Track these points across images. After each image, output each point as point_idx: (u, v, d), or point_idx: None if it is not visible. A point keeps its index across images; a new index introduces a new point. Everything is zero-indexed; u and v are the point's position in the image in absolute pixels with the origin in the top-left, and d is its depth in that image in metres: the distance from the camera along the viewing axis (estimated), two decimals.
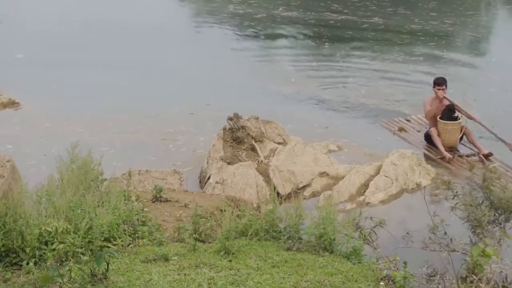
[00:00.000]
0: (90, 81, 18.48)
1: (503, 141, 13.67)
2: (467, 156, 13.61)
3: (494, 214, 9.87)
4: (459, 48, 23.82)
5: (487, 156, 13.44)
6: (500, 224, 9.81)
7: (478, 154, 13.61)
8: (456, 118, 14.03)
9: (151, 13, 28.30)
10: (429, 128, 14.34)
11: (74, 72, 19.32)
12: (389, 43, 23.73)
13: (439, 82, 14.37)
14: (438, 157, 13.72)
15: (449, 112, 14.07)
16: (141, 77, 19.14)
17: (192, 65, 20.45)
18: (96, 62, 20.43)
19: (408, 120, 15.65)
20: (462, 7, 31.34)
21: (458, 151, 13.94)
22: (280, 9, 29.33)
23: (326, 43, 23.67)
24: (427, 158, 13.84)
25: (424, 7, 30.27)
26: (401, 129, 15.17)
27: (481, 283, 7.22)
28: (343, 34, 25.18)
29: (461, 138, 14.12)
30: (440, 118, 14.04)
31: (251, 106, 15.52)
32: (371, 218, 9.90)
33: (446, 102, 14.20)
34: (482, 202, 9.85)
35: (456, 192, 9.70)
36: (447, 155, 13.50)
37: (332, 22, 26.76)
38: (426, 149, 14.25)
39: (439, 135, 13.97)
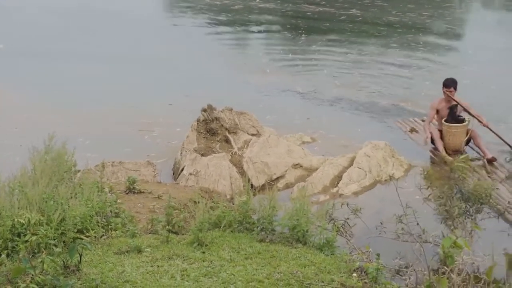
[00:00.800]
0: (68, 72, 18.50)
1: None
2: (471, 160, 12.61)
3: (465, 206, 9.96)
4: (435, 40, 23.92)
5: (491, 161, 12.89)
6: (471, 215, 9.89)
7: (483, 158, 13.06)
8: (462, 121, 13.43)
9: (127, 3, 28.23)
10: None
11: (52, 62, 19.31)
12: (366, 35, 23.82)
13: (447, 84, 13.73)
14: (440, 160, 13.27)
15: (453, 114, 13.55)
16: (119, 68, 19.16)
17: (169, 57, 20.49)
18: (74, 53, 20.47)
19: (423, 121, 14.82)
20: None
21: (461, 154, 13.02)
22: (257, 0, 29.31)
23: (303, 35, 23.70)
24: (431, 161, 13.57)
25: None
26: (412, 130, 14.83)
27: (453, 274, 7.26)
28: (320, 25, 25.21)
29: (468, 141, 13.57)
30: (445, 120, 13.54)
31: (230, 97, 15.63)
32: (347, 205, 9.96)
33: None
34: (455, 194, 9.94)
35: (430, 183, 9.78)
36: (449, 158, 12.87)
37: (309, 13, 26.80)
38: (431, 152, 13.76)
39: (443, 137, 13.54)
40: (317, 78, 18.84)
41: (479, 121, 13.39)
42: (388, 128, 15.11)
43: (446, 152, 13.30)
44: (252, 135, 13.74)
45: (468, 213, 9.88)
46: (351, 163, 12.75)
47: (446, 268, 7.34)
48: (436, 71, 19.10)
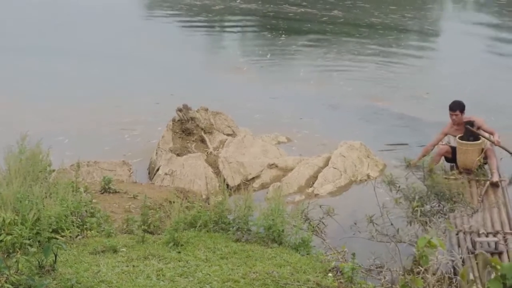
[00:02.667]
0: (46, 69, 18.39)
1: None
2: (477, 180, 12.12)
3: (438, 205, 10.01)
4: (416, 42, 24.05)
5: (494, 184, 11.88)
6: (445, 214, 9.93)
7: (489, 179, 12.05)
8: (477, 139, 12.48)
9: (106, 1, 28.24)
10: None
11: (29, 59, 19.14)
12: (347, 36, 23.87)
13: (452, 107, 12.82)
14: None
15: (469, 131, 12.58)
16: (100, 66, 19.18)
17: (151, 56, 20.52)
18: (52, 49, 20.36)
19: None
20: (421, 1, 31.64)
21: (472, 172, 12.36)
22: (238, 1, 29.32)
23: (283, 35, 23.73)
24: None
25: (383, 0, 30.44)
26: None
27: (428, 274, 7.30)
28: (301, 26, 25.25)
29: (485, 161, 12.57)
30: (460, 137, 12.55)
31: (213, 96, 15.81)
32: (320, 206, 9.97)
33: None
34: (428, 194, 10.00)
35: (399, 186, 9.84)
36: (414, 161, 12.59)
37: (291, 14, 26.84)
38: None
39: (456, 154, 12.72)
40: (295, 78, 18.85)
41: (490, 140, 12.55)
42: (366, 127, 15.10)
43: (458, 169, 12.53)
44: (228, 135, 13.75)
45: (441, 212, 9.94)
46: (326, 163, 12.79)
47: (421, 267, 7.38)
48: (415, 73, 19.23)
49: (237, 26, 26.02)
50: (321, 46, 22.29)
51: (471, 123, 12.51)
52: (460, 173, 12.33)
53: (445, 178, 11.45)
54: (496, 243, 9.58)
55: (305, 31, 24.60)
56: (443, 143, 13.32)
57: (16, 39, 21.28)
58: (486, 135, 12.65)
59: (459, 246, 9.54)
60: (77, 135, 14.22)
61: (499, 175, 12.14)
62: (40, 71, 18.22)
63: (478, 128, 12.62)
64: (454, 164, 12.74)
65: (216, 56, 21.64)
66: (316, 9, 27.71)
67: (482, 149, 12.43)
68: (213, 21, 26.62)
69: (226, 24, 26.38)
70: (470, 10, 30.87)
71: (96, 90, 17.01)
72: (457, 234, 9.90)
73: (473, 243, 9.48)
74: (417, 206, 9.68)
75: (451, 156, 12.77)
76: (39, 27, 23.09)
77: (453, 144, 13.20)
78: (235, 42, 24.17)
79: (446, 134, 13.22)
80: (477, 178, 12.16)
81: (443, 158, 12.94)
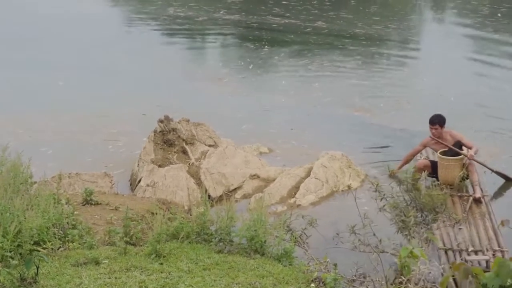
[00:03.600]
0: (27, 81, 18.34)
1: (503, 175, 12.87)
2: (460, 196, 12.05)
3: (421, 215, 10.04)
4: (398, 51, 24.08)
5: (477, 200, 11.85)
6: (427, 225, 9.97)
7: (472, 195, 12.01)
8: (458, 154, 12.48)
9: (88, 12, 28.21)
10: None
11: (8, 72, 19.11)
12: (330, 47, 23.89)
13: (431, 120, 12.85)
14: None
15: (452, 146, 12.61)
16: (84, 77, 19.15)
17: (135, 67, 20.45)
18: (36, 61, 20.33)
19: None
20: (403, 11, 31.80)
21: (454, 187, 12.30)
22: (222, 12, 29.33)
23: (266, 46, 23.74)
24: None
25: (365, 11, 30.54)
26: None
27: (410, 284, 7.34)
28: (284, 37, 25.25)
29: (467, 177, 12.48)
30: (441, 152, 12.50)
31: (195, 107, 15.92)
32: (302, 217, 9.98)
33: (448, 139, 12.78)
34: (410, 204, 10.04)
35: (384, 194, 9.86)
36: (394, 171, 12.72)
37: (274, 25, 26.86)
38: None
39: (435, 168, 12.69)
40: (276, 89, 18.88)
41: (464, 154, 12.42)
42: (347, 137, 15.11)
43: (440, 185, 12.06)
44: (210, 146, 13.75)
45: (423, 222, 9.98)
46: (308, 174, 12.81)
47: (403, 278, 7.41)
48: (397, 83, 19.32)
49: (219, 37, 26.04)
50: (303, 57, 22.31)
51: (459, 145, 12.54)
52: (442, 189, 11.79)
53: (428, 188, 11.46)
54: (487, 261, 9.62)
55: (288, 42, 24.63)
56: (423, 158, 13.38)
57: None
58: (467, 145, 12.66)
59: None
60: (61, 147, 14.20)
61: (481, 190, 12.16)
62: (20, 83, 18.16)
63: (458, 142, 12.67)
64: (435, 178, 12.60)
65: (198, 67, 21.62)
66: (299, 20, 27.73)
67: (464, 164, 12.41)
68: (195, 32, 26.62)
69: (209, 35, 26.38)
70: (452, 20, 30.99)
71: (80, 101, 16.95)
72: (446, 252, 9.95)
73: (465, 262, 9.48)
74: (399, 216, 9.71)
75: (431, 171, 12.67)
76: (17, 39, 23.00)
77: (432, 158, 13.26)
78: (217, 53, 24.17)
79: (425, 146, 13.30)
80: (459, 194, 12.09)
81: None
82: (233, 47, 24.83)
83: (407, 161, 13.08)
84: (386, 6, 32.34)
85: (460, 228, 10.70)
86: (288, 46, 24.07)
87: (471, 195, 11.99)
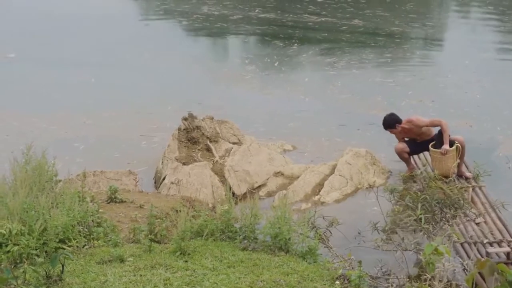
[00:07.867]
0: (60, 79, 18.48)
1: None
2: (461, 188, 11.84)
3: (441, 212, 9.99)
4: (429, 50, 23.83)
5: (468, 178, 12.24)
6: (448, 221, 9.92)
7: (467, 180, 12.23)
8: (449, 145, 12.26)
9: (114, 11, 28.34)
10: None
11: (41, 71, 19.24)
12: (362, 45, 23.67)
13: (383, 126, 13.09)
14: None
15: (440, 139, 12.43)
16: (116, 75, 19.17)
17: (165, 64, 20.50)
18: (62, 59, 20.43)
19: None
20: (440, 8, 31.57)
21: (454, 181, 12.17)
22: (257, 10, 29.20)
23: (295, 44, 23.59)
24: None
25: (401, 9, 30.30)
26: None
27: (434, 281, 7.30)
28: (317, 35, 25.02)
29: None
30: (432, 145, 12.44)
31: (222, 104, 16.06)
32: (323, 218, 9.97)
33: (413, 129, 12.83)
34: (430, 201, 10.00)
35: (400, 195, 9.85)
36: (405, 175, 12.85)
37: (310, 24, 26.67)
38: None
39: (412, 146, 12.90)
40: (300, 86, 18.83)
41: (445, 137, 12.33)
42: (371, 135, 15.05)
43: (436, 177, 12.01)
44: (233, 143, 13.75)
45: (445, 219, 9.93)
46: (332, 171, 12.79)
47: (427, 275, 7.38)
48: (423, 80, 19.20)
49: (250, 36, 25.87)
50: (332, 55, 22.15)
51: (451, 143, 12.32)
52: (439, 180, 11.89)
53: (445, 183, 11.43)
54: (508, 253, 9.57)
55: (319, 40, 24.41)
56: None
57: (23, 51, 21.32)
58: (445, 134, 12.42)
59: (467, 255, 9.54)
60: (94, 142, 14.38)
61: (467, 168, 12.59)
62: (53, 81, 18.25)
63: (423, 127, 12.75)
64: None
65: (223, 65, 21.61)
66: (336, 18, 27.48)
67: (458, 153, 12.30)
68: (226, 31, 26.51)
69: (239, 34, 26.27)
70: (486, 17, 30.66)
71: (117, 98, 17.12)
72: (461, 244, 9.90)
73: (487, 254, 9.45)
74: (421, 214, 9.67)
75: (408, 151, 12.87)
76: (42, 39, 23.08)
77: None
78: (245, 50, 24.08)
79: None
80: (456, 185, 11.87)
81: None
82: (262, 44, 24.72)
83: (407, 161, 13.12)
84: (421, 2, 32.00)
85: (468, 220, 10.67)
86: (319, 44, 23.89)
87: (469, 186, 12.04)
